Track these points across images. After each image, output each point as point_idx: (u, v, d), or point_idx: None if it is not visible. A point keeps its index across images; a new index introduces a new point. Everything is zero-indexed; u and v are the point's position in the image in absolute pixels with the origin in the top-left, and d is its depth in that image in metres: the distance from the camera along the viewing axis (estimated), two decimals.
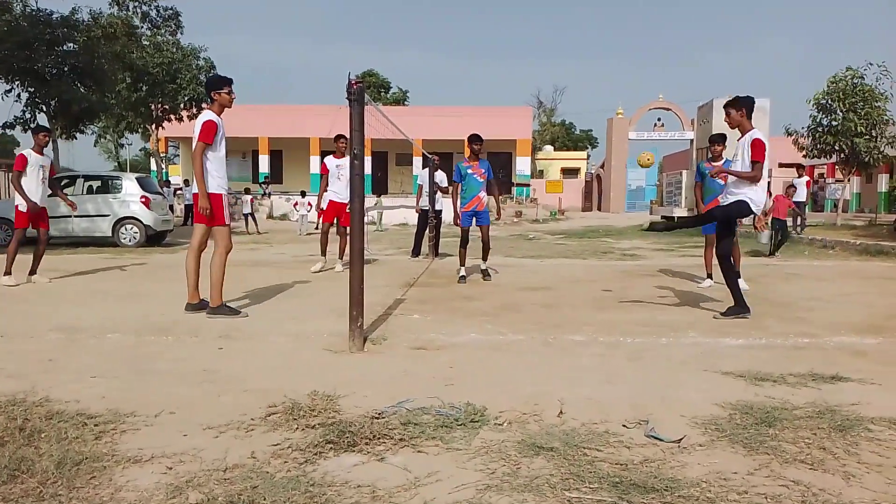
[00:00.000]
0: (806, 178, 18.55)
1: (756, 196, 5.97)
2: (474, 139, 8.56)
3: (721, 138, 8.03)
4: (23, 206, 8.19)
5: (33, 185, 8.24)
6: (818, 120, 18.23)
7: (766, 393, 3.73)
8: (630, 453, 2.85)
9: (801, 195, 18.08)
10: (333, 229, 9.96)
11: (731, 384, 3.93)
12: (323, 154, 26.07)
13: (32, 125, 17.78)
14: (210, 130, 5.82)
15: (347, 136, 9.44)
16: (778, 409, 3.41)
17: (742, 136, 6.06)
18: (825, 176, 33.78)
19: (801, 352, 4.80)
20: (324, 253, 9.75)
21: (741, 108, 6.03)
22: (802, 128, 18.76)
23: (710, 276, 8.15)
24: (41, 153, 8.39)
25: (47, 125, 18.16)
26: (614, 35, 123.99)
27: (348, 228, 9.19)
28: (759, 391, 3.76)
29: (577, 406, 3.46)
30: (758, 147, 5.85)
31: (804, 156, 19.26)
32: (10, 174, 8.08)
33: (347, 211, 11.95)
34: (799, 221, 17.36)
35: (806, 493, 2.48)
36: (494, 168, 9.36)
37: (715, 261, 6.54)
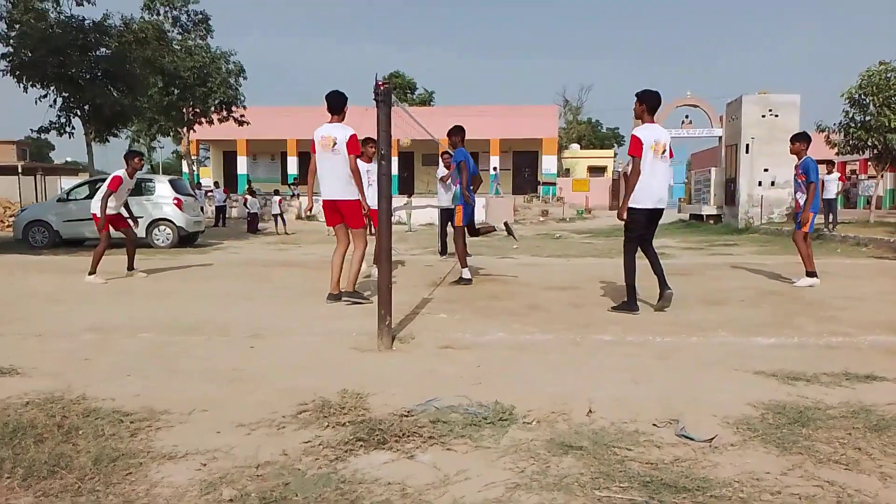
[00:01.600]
0: (837, 175, 18.20)
1: (637, 193, 5.96)
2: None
3: (801, 137, 7.91)
4: (100, 213, 8.68)
5: (115, 201, 8.73)
6: (851, 115, 17.84)
7: (798, 392, 3.67)
8: (661, 453, 2.83)
9: (832, 192, 17.75)
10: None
11: (762, 383, 3.87)
12: None
13: (68, 129, 18.16)
14: (358, 143, 6.33)
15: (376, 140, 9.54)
16: (811, 408, 3.36)
17: None
18: (857, 172, 33.11)
19: (834, 351, 4.73)
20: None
21: (641, 102, 6.06)
22: (834, 123, 18.38)
23: (813, 273, 7.96)
24: (132, 177, 8.85)
25: (82, 129, 18.53)
26: (641, 32, 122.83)
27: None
28: (791, 391, 3.71)
29: (606, 405, 3.44)
30: (631, 142, 6.01)
31: (836, 152, 18.86)
32: (104, 192, 8.59)
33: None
34: (831, 219, 17.05)
35: (841, 493, 2.44)
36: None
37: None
